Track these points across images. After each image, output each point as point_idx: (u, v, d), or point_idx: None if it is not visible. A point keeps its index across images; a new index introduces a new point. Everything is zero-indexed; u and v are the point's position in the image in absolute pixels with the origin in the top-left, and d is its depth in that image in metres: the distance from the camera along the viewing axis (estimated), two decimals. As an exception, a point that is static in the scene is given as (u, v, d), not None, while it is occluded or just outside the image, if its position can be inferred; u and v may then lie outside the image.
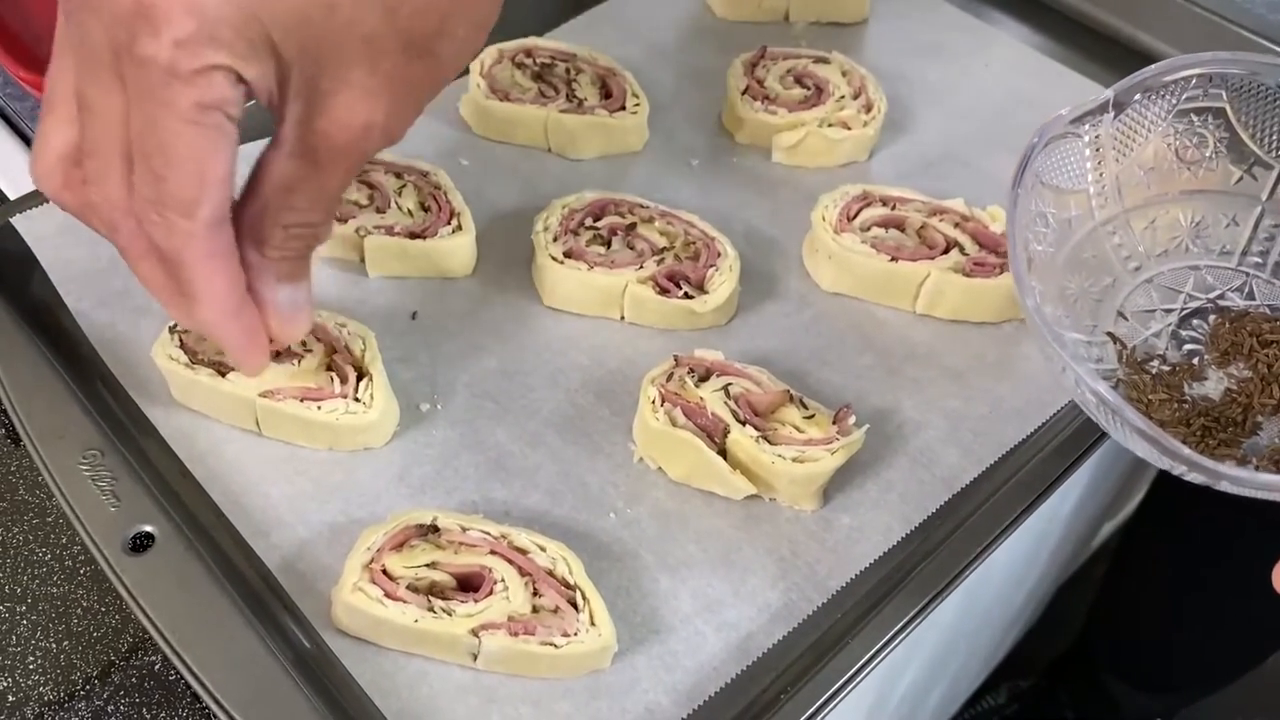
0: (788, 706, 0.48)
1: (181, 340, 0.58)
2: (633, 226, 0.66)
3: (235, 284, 0.43)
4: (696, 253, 0.65)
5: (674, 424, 0.56)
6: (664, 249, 0.65)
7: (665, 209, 0.67)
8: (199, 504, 0.55)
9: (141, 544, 0.51)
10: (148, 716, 0.51)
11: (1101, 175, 0.54)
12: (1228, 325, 0.52)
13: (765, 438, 0.55)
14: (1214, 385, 0.51)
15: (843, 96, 0.74)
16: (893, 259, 0.64)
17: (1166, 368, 0.51)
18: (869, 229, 0.66)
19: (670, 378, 0.58)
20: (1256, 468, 0.46)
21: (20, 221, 0.65)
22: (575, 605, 0.51)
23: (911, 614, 0.51)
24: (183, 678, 0.50)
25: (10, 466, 0.59)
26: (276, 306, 0.46)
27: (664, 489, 0.58)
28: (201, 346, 0.58)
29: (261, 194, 0.43)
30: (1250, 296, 0.54)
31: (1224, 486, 0.43)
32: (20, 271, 0.64)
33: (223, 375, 0.57)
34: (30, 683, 0.51)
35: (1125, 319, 0.53)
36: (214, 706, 0.47)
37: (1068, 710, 1.39)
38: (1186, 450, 0.43)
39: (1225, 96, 0.53)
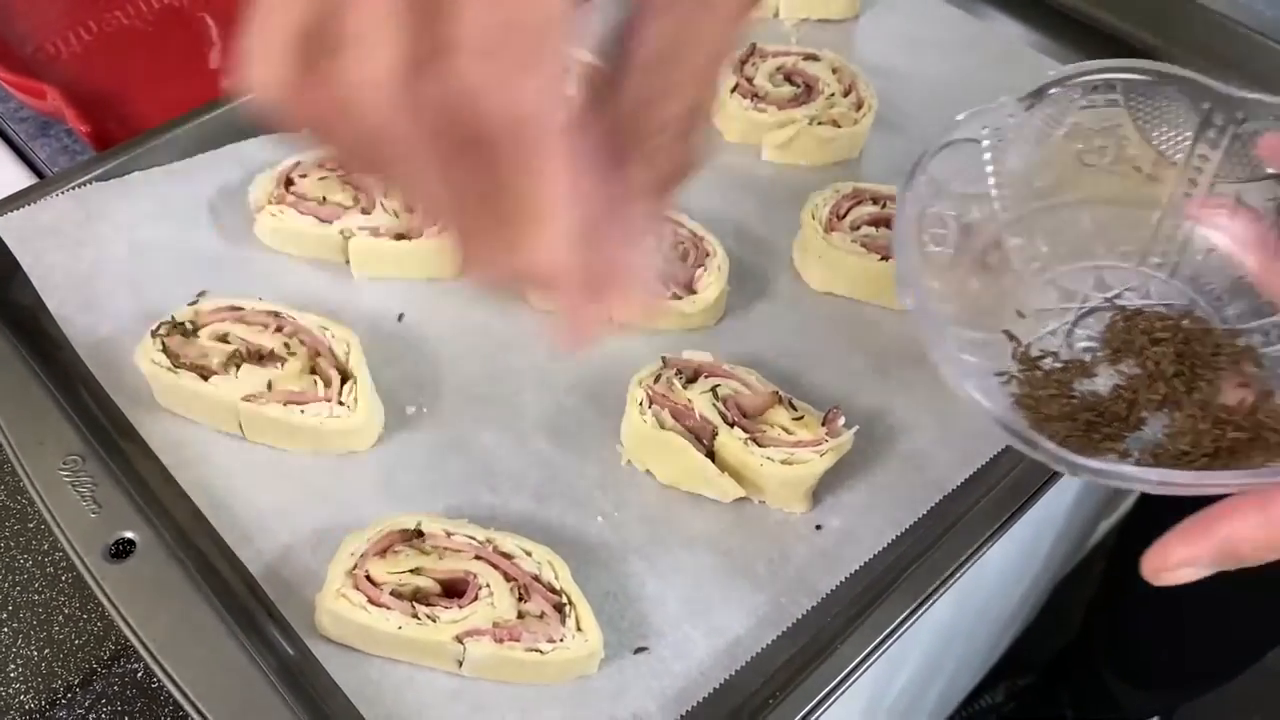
0: (776, 711, 0.48)
1: (164, 344, 0.57)
2: (620, 226, 0.65)
3: (583, 201, 0.30)
4: (685, 253, 0.64)
5: (662, 426, 0.56)
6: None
7: (653, 208, 0.66)
8: (181, 510, 0.54)
9: (122, 550, 0.50)
10: (130, 725, 0.50)
11: (1002, 178, 0.54)
12: (1123, 323, 0.52)
13: (754, 440, 0.55)
14: (1104, 382, 0.51)
15: (833, 94, 0.73)
16: (883, 258, 0.63)
17: (1059, 365, 0.51)
18: (859, 227, 0.66)
19: (658, 379, 0.58)
20: (1138, 462, 0.46)
21: (1, 224, 0.64)
22: (562, 611, 0.50)
23: (901, 617, 0.50)
24: (164, 686, 0.50)
25: (-9, 472, 0.58)
26: (628, 248, 0.32)
27: (652, 492, 0.57)
28: (184, 350, 0.57)
29: (631, 81, 0.30)
30: (1147, 296, 0.54)
31: (1085, 478, 0.43)
32: (2, 275, 0.63)
33: (205, 379, 0.56)
34: (11, 691, 0.50)
35: (1024, 317, 0.53)
36: (196, 715, 0.46)
37: (1066, 708, 1.39)
38: (1045, 441, 0.43)
39: (1123, 102, 0.53)
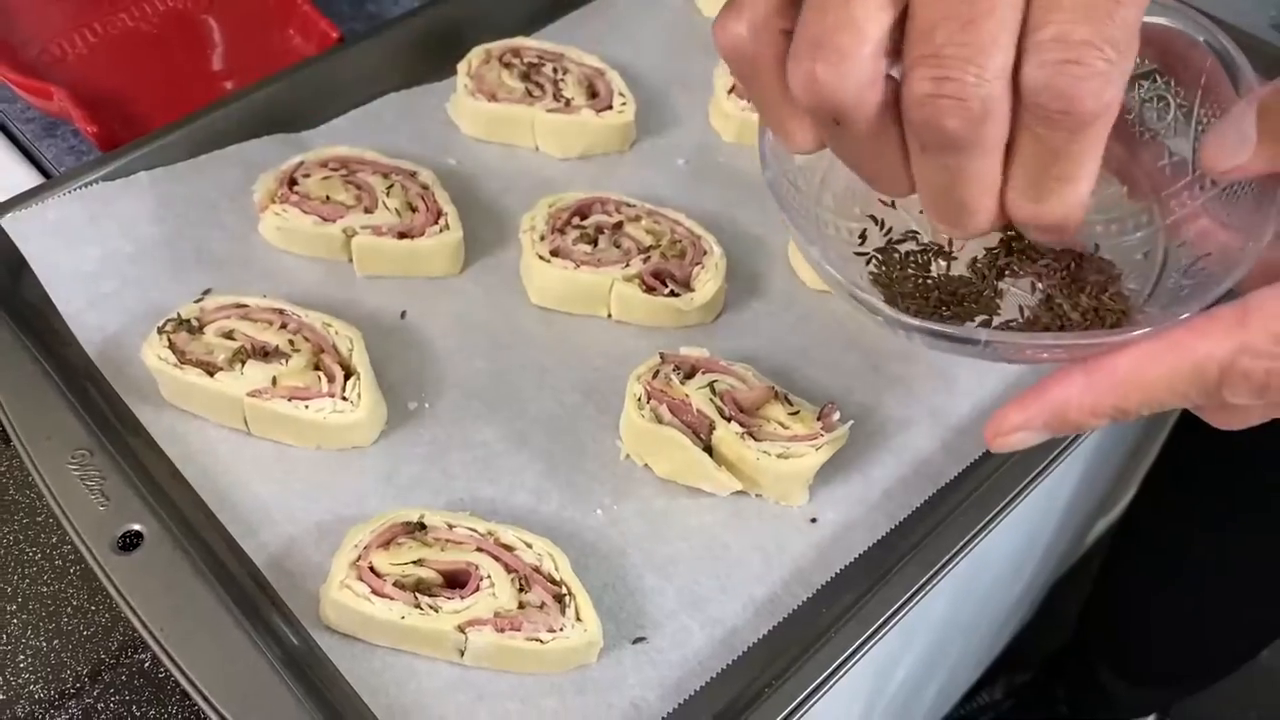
0: (773, 700, 0.48)
1: (170, 341, 0.58)
2: (619, 225, 0.66)
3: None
4: (683, 251, 0.65)
5: (660, 421, 0.57)
6: (650, 247, 0.65)
7: (652, 207, 0.67)
8: (187, 503, 0.55)
9: (130, 543, 0.51)
10: (138, 714, 0.51)
11: None
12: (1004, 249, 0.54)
13: (750, 434, 0.56)
14: (962, 266, 0.52)
15: (829, 95, 0.74)
16: (878, 256, 0.64)
17: (918, 248, 0.52)
18: (854, 226, 0.67)
19: (656, 375, 0.59)
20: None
21: (9, 223, 0.65)
22: (561, 601, 0.51)
23: (895, 607, 0.51)
24: (172, 676, 0.51)
25: (0, 466, 0.59)
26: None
27: (650, 486, 0.58)
28: (190, 347, 0.58)
29: None
30: None
31: (920, 341, 0.44)
32: (9, 273, 0.64)
33: (211, 375, 0.57)
34: (20, 681, 0.51)
35: (893, 207, 0.54)
36: (203, 704, 0.47)
37: (1063, 705, 1.39)
38: (888, 309, 0.44)
39: None
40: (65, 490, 0.53)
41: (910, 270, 0.51)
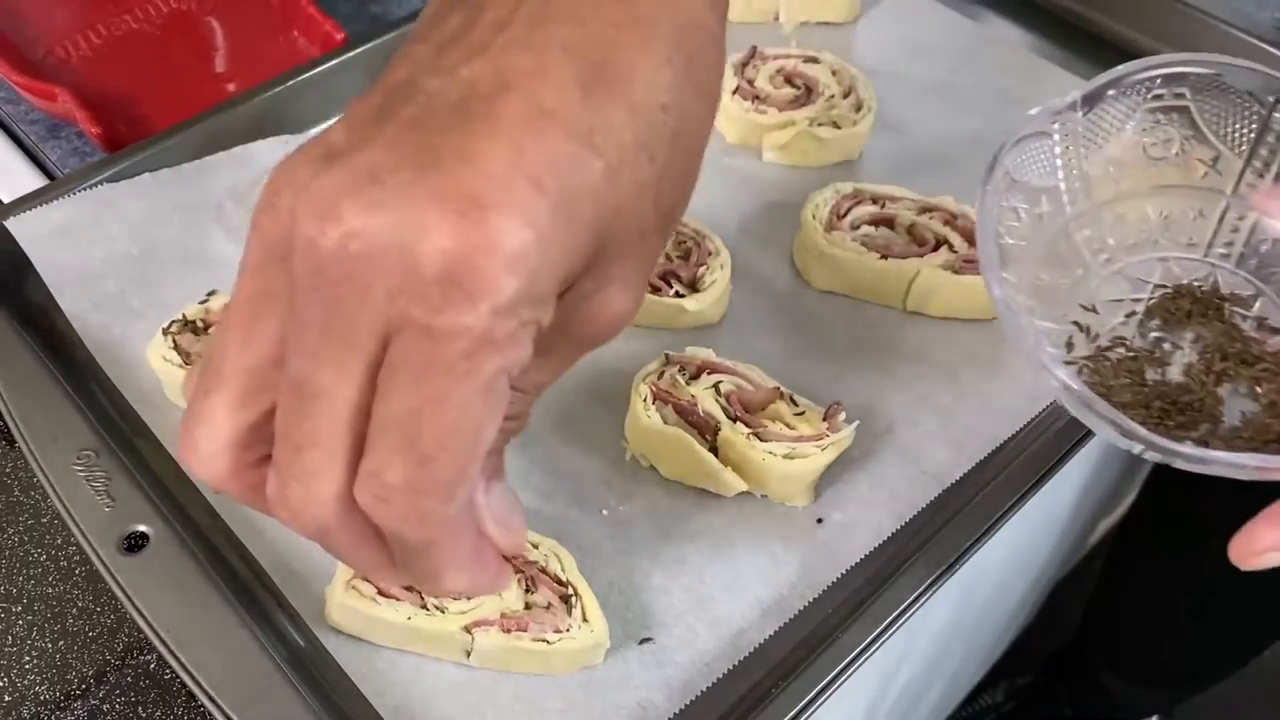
0: (779, 700, 0.48)
1: (175, 342, 0.58)
2: (624, 226, 0.66)
3: (476, 538, 0.36)
4: (688, 251, 0.65)
5: (666, 422, 0.56)
6: (655, 248, 0.65)
7: (656, 208, 0.67)
8: (193, 503, 0.55)
9: (136, 544, 0.51)
10: (143, 715, 0.51)
11: (1071, 171, 0.56)
12: (1171, 299, 0.55)
13: (756, 435, 0.56)
14: (1176, 371, 0.52)
15: (833, 95, 0.74)
16: (883, 256, 0.64)
17: (1130, 354, 0.52)
18: (859, 227, 0.67)
19: (661, 376, 0.58)
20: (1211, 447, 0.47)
21: (13, 224, 0.65)
22: (568, 602, 0.51)
23: (902, 608, 0.51)
24: (178, 677, 0.51)
25: (4, 468, 0.59)
26: (495, 513, 0.37)
27: (656, 486, 0.58)
28: (196, 348, 0.58)
29: None
30: (1215, 287, 0.56)
31: (1179, 464, 0.44)
32: (14, 274, 0.64)
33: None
34: (26, 682, 0.51)
35: (1095, 311, 0.55)
36: (210, 705, 0.47)
37: (1065, 706, 1.39)
38: (1142, 430, 0.44)
39: (1189, 95, 0.55)
40: (71, 491, 0.53)
41: (1125, 378, 0.51)
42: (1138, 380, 0.51)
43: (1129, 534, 1.23)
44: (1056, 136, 0.55)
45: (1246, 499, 1.06)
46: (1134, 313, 0.55)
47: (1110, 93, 0.55)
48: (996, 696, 1.44)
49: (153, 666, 0.52)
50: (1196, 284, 0.55)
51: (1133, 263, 0.56)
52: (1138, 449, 0.45)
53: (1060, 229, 0.56)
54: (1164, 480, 1.11)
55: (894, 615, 0.51)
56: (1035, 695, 1.42)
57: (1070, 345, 0.53)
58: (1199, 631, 1.15)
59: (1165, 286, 0.56)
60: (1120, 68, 0.54)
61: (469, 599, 0.48)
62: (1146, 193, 0.57)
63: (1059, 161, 0.55)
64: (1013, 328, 0.47)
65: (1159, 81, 0.54)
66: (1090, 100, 0.55)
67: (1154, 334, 0.54)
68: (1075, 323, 0.54)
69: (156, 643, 0.48)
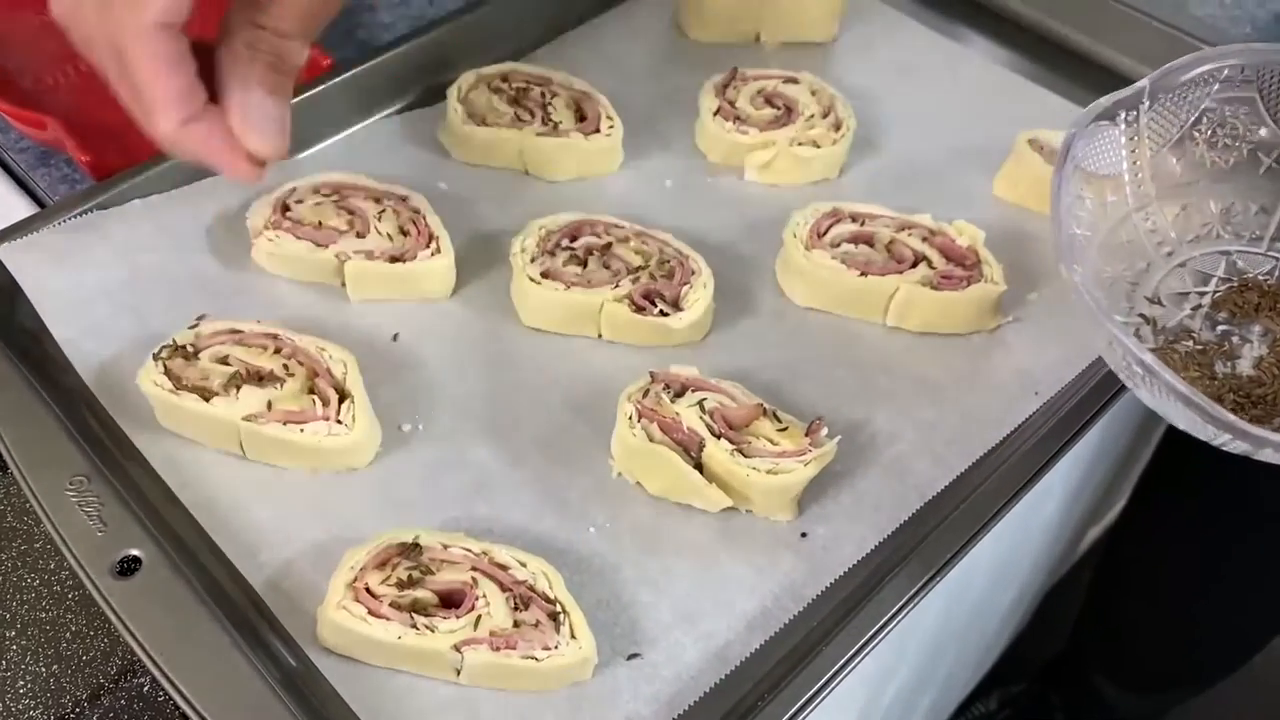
0: (766, 712, 0.49)
1: (166, 367, 0.59)
2: (608, 246, 0.67)
3: (187, 91, 0.46)
4: (671, 271, 0.66)
5: (651, 439, 0.57)
6: (639, 268, 0.66)
7: (640, 228, 0.68)
8: (185, 527, 0.56)
9: (129, 568, 0.52)
10: (137, 738, 0.52)
11: (1136, 162, 0.57)
12: (1239, 293, 0.56)
13: (740, 451, 0.57)
14: (1246, 364, 0.53)
15: (812, 115, 0.76)
16: (862, 274, 0.66)
17: (1198, 347, 0.53)
18: (839, 245, 0.68)
19: (646, 394, 0.59)
20: None
21: (4, 251, 0.65)
22: (556, 619, 0.52)
23: (885, 619, 0.52)
24: (171, 699, 0.51)
25: (-3, 495, 0.60)
26: (245, 110, 0.47)
27: (643, 503, 0.59)
28: (186, 372, 0.59)
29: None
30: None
31: (1266, 455, 0.45)
32: (4, 301, 0.65)
33: (206, 400, 0.58)
34: (20, 706, 0.52)
35: (1160, 303, 0.55)
36: (202, 726, 0.48)
37: (1059, 713, 1.40)
38: (1230, 416, 0.44)
39: (1256, 87, 0.55)
40: (63, 516, 0.53)
41: (1195, 371, 0.52)
42: (1207, 373, 0.51)
43: (1120, 539, 1.24)
44: (1122, 126, 0.55)
45: (1238, 505, 1.07)
46: (1200, 306, 0.56)
47: (1177, 83, 0.55)
48: (990, 705, 1.44)
49: (146, 689, 0.53)
50: (1263, 277, 0.56)
51: (1196, 256, 0.57)
52: (1224, 439, 0.45)
53: (1123, 220, 0.56)
54: (1155, 486, 1.12)
55: (878, 627, 0.52)
56: (1029, 703, 1.43)
57: (1138, 338, 0.53)
58: (1191, 635, 1.15)
59: (1230, 280, 0.56)
60: (1186, 58, 0.55)
61: (219, 173, 0.52)
62: (1209, 186, 0.57)
63: (1124, 152, 0.56)
64: (1093, 313, 0.48)
65: (1224, 72, 0.55)
66: (1157, 91, 0.55)
67: (1221, 327, 0.54)
68: (1141, 315, 0.54)
69: (150, 665, 0.49)
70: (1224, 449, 0.47)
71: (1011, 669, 1.42)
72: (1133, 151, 0.56)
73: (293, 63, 0.48)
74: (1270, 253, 0.57)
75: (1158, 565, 1.14)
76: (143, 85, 0.45)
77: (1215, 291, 0.56)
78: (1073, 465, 0.81)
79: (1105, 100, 0.55)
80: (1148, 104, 0.55)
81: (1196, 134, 0.57)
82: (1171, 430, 1.02)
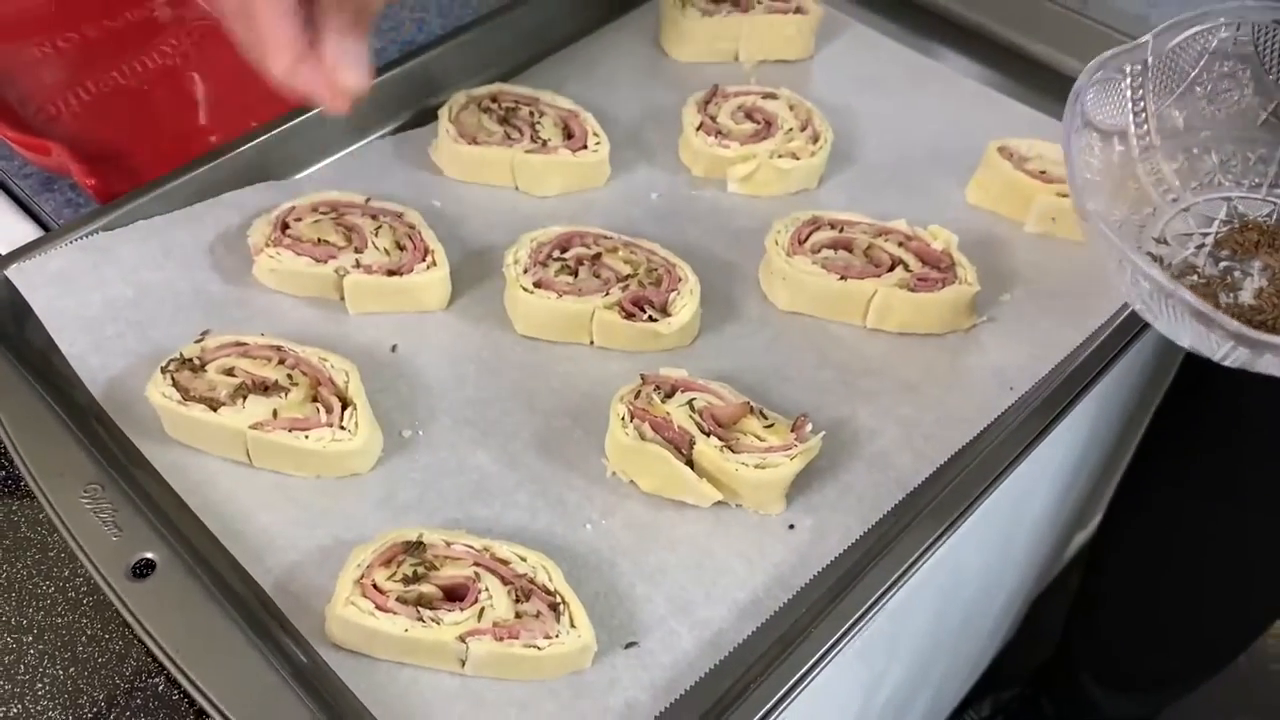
0: (758, 693, 0.51)
1: (174, 379, 0.61)
2: (598, 256, 0.70)
3: (297, 36, 0.55)
4: (659, 278, 0.69)
5: (643, 438, 0.60)
6: (628, 276, 0.69)
7: (628, 239, 0.71)
8: (195, 532, 0.58)
9: (143, 570, 0.54)
10: (153, 736, 0.54)
11: (1141, 114, 0.60)
12: (1239, 232, 0.59)
13: (729, 447, 0.59)
14: (1248, 295, 0.56)
15: (791, 129, 0.79)
16: (842, 277, 0.68)
17: (1202, 280, 0.56)
18: (819, 251, 0.71)
19: (638, 395, 0.62)
20: None
21: (13, 273, 0.68)
22: (556, 610, 0.54)
23: (870, 603, 0.54)
24: (185, 697, 0.54)
25: (10, 507, 0.61)
26: (338, 52, 0.56)
27: (637, 500, 0.61)
28: (193, 384, 0.61)
29: None
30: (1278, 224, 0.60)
31: (1264, 364, 0.48)
32: (15, 321, 0.67)
33: (214, 410, 0.60)
34: (40, 708, 0.53)
35: (1166, 243, 0.58)
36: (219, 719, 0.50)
37: (1050, 717, 1.41)
38: (1234, 322, 0.47)
39: (1253, 44, 0.59)
40: (79, 523, 0.55)
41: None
42: (1212, 303, 0.54)
43: (1104, 545, 1.25)
44: (1128, 80, 0.59)
45: (1220, 506, 1.08)
46: (1203, 245, 0.59)
47: (1178, 39, 0.59)
48: (982, 711, 1.46)
49: (161, 688, 0.54)
50: (1263, 219, 0.59)
51: (1199, 202, 0.61)
52: (1226, 348, 0.48)
53: (1129, 169, 0.60)
54: (1138, 486, 1.13)
55: (862, 611, 0.54)
56: (1021, 708, 1.44)
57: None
58: (1176, 636, 1.17)
59: (1231, 222, 0.59)
60: (1189, 14, 0.59)
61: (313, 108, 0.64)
62: (1210, 137, 0.61)
63: (1129, 104, 0.59)
64: (1105, 237, 0.51)
65: (1222, 29, 0.58)
66: (1160, 46, 0.58)
67: (1224, 263, 0.58)
68: (1149, 254, 0.57)
69: (166, 662, 0.51)
70: (1225, 363, 0.50)
71: (1003, 675, 1.43)
72: (1136, 102, 0.60)
73: (371, 11, 0.57)
74: (1269, 198, 0.61)
75: (1142, 568, 1.16)
76: (264, 31, 0.54)
77: (1217, 232, 0.60)
78: (1056, 466, 0.83)
79: (1109, 54, 0.58)
80: (1151, 59, 0.59)
81: (1198, 88, 0.60)
82: (1152, 432, 1.05)
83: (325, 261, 0.69)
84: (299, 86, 0.56)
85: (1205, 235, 0.60)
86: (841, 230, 0.71)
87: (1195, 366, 0.95)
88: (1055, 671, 1.39)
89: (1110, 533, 1.24)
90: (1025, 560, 1.14)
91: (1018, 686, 1.45)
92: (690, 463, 0.60)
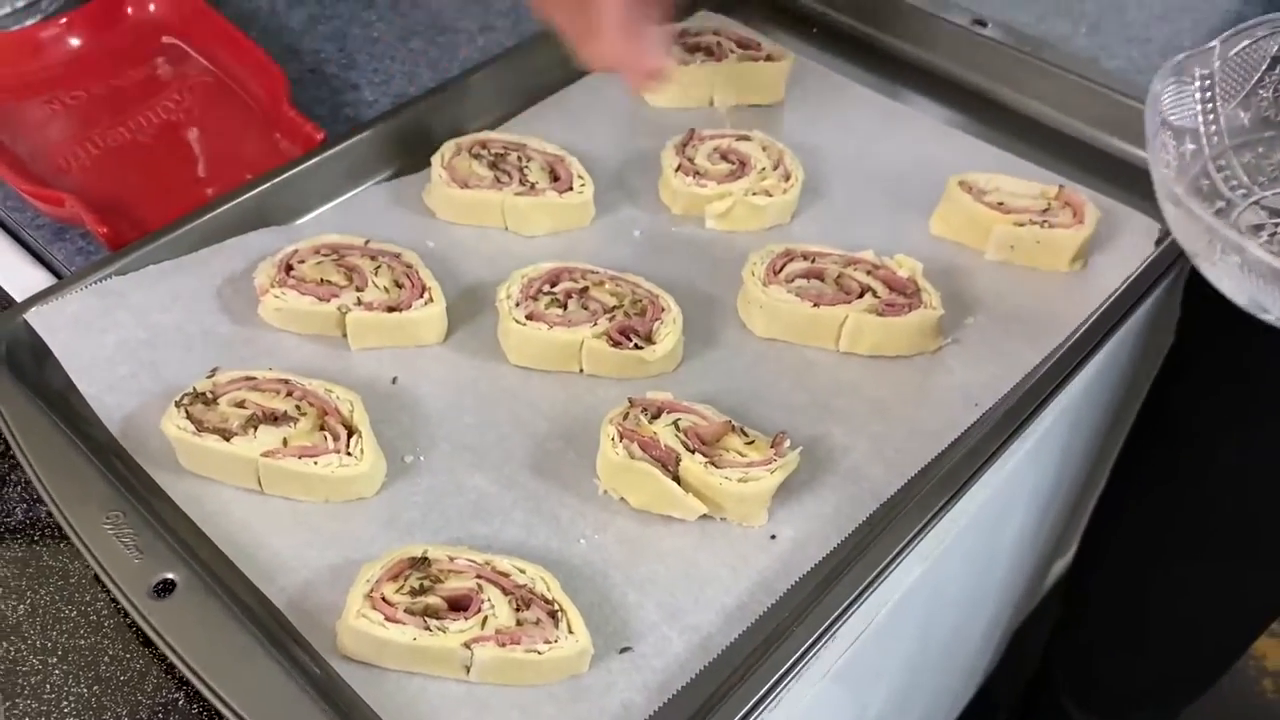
0: (742, 690, 0.55)
1: (188, 412, 0.65)
2: (585, 289, 0.74)
3: (626, 21, 0.63)
4: (643, 309, 0.73)
5: (632, 457, 0.64)
6: (614, 307, 0.73)
7: (614, 273, 0.75)
8: (212, 556, 0.61)
9: (165, 590, 0.57)
10: (174, 749, 0.57)
11: (1210, 114, 0.65)
12: None
13: (712, 463, 0.63)
14: None
15: (764, 168, 0.84)
16: (815, 305, 0.73)
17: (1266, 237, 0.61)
18: (793, 280, 0.75)
19: (626, 417, 0.66)
20: None
21: (33, 316, 0.71)
22: (555, 617, 0.57)
23: (847, 604, 0.58)
24: (204, 711, 0.57)
25: (32, 538, 0.64)
26: (645, 38, 0.65)
27: (627, 516, 0.65)
28: (206, 417, 0.65)
29: None
30: None
31: None
32: (35, 362, 0.71)
33: (227, 440, 0.64)
34: (65, 725, 0.56)
35: (1240, 233, 0.63)
36: (239, 729, 0.53)
37: (1035, 743, 1.43)
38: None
39: None
40: (102, 547, 0.59)
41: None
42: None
43: (1082, 570, 1.27)
44: (1197, 83, 0.64)
45: (1196, 525, 1.10)
46: (1275, 234, 0.64)
47: (1240, 46, 0.64)
48: (968, 738, 1.47)
49: (180, 703, 0.57)
50: None
51: (1269, 195, 0.65)
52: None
53: (1201, 166, 0.66)
54: (1116, 505, 1.15)
55: (840, 610, 0.58)
56: (1005, 735, 1.46)
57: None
58: (1160, 658, 1.19)
59: None
60: (1253, 21, 0.64)
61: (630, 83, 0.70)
62: (1276, 136, 0.66)
63: (1198, 106, 0.65)
64: (1193, 220, 0.55)
65: None
66: (1225, 50, 0.64)
67: None
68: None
69: (189, 675, 0.54)
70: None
71: (987, 705, 1.44)
72: (1206, 105, 0.65)
73: (669, 2, 0.67)
74: None
75: (1119, 592, 1.18)
76: (601, 13, 0.62)
77: None
78: (1032, 487, 0.87)
79: (1181, 57, 0.64)
80: (1218, 64, 0.64)
81: (1261, 90, 0.66)
82: (1129, 447, 1.08)
83: (328, 300, 0.73)
84: (621, 62, 0.64)
85: (1277, 225, 0.64)
86: (813, 261, 0.76)
87: (1166, 392, 0.99)
88: (1038, 696, 1.41)
89: (1089, 554, 1.26)
90: (1006, 584, 1.16)
91: (1002, 714, 1.47)
92: (677, 479, 0.64)
